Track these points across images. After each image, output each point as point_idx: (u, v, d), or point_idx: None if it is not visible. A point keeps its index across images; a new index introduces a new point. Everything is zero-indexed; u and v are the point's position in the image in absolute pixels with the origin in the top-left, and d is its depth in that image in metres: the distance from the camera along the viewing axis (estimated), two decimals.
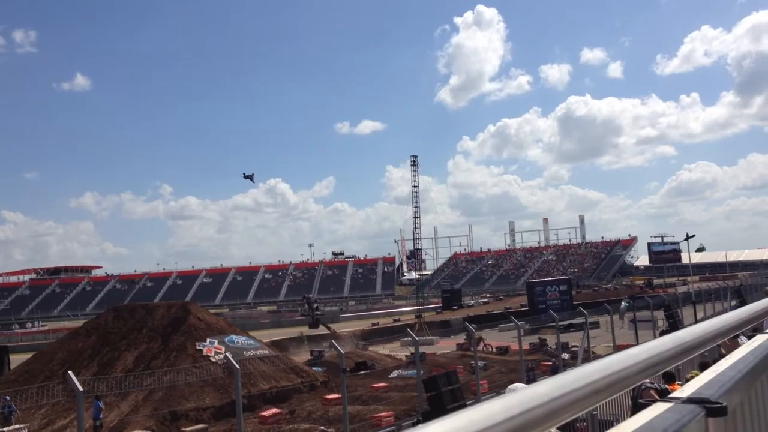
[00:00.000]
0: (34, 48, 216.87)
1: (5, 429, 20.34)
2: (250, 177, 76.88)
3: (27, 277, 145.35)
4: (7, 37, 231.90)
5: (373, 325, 61.61)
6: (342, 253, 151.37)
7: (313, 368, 31.70)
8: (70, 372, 12.56)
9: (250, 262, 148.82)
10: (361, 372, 31.63)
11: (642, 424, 1.49)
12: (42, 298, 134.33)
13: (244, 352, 27.39)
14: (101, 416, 21.90)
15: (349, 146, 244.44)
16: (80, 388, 12.01)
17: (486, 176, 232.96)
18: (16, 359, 35.80)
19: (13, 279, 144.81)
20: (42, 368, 27.87)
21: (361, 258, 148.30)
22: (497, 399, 1.09)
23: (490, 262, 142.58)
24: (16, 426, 20.50)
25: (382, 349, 43.34)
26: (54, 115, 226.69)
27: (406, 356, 36.86)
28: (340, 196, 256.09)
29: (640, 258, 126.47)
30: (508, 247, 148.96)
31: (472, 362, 24.82)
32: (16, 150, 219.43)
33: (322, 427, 19.54)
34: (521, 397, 1.12)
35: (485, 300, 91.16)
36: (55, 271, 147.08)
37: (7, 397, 23.70)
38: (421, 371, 21.93)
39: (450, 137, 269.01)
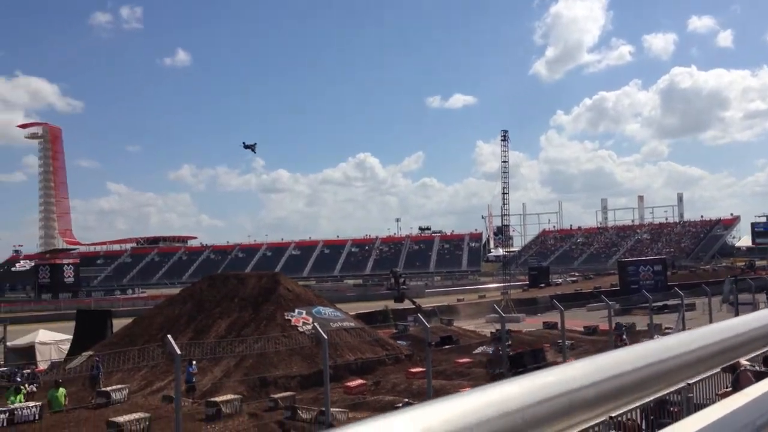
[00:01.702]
0: (139, 24, 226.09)
1: (108, 388, 21.50)
2: (251, 147, 75.45)
3: (129, 246, 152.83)
4: (115, 13, 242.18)
5: (459, 300, 61.49)
6: (429, 228, 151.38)
7: (398, 342, 31.97)
8: (169, 336, 13.11)
9: (337, 236, 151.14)
10: (446, 347, 31.69)
11: (748, 400, 1.40)
12: (142, 266, 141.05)
13: (331, 324, 27.90)
14: (194, 380, 22.89)
15: (440, 121, 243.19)
16: (178, 352, 12.54)
17: (579, 152, 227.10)
18: (118, 323, 37.77)
19: (116, 247, 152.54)
20: (142, 332, 29.30)
21: (448, 233, 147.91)
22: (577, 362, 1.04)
23: (579, 240, 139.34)
24: (119, 386, 21.64)
25: (467, 325, 43.24)
26: (156, 90, 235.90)
27: (491, 332, 36.63)
28: (429, 171, 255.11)
29: (743, 239, 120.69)
30: (599, 225, 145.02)
31: (559, 341, 24.42)
32: (121, 124, 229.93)
33: (407, 399, 19.73)
34: (603, 360, 1.06)
35: (573, 279, 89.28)
36: (155, 241, 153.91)
37: (97, 359, 25.12)
38: (507, 348, 21.75)
39: (543, 111, 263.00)
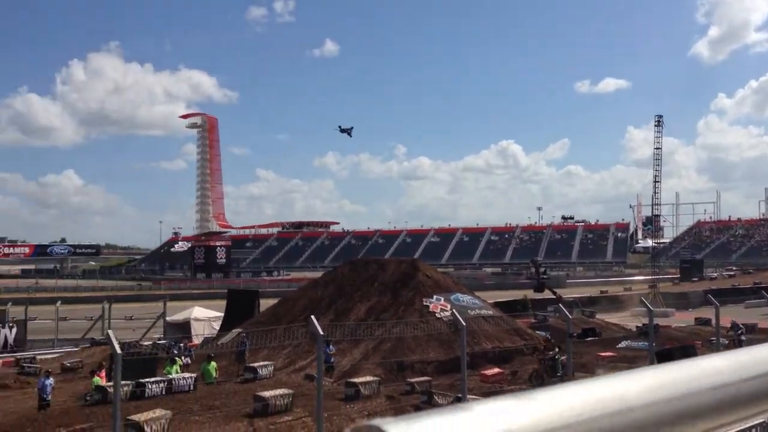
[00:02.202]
0: (291, 17, 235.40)
1: (255, 364, 22.57)
2: (347, 131, 74.16)
3: (275, 230, 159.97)
4: (269, 7, 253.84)
5: (602, 292, 59.29)
6: (572, 218, 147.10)
7: (537, 332, 31.28)
8: (312, 317, 13.54)
9: (477, 224, 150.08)
10: (588, 339, 30.63)
11: None
12: (287, 250, 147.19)
13: (469, 311, 27.71)
14: (333, 360, 23.59)
15: (588, 106, 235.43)
16: (321, 333, 12.91)
17: (742, 137, 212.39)
18: (264, 303, 39.62)
19: (264, 231, 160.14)
20: (286, 312, 30.52)
21: (592, 223, 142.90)
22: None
23: (739, 232, 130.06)
24: (265, 362, 22.67)
25: (611, 318, 41.59)
26: (304, 80, 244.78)
27: (637, 326, 35.00)
28: (574, 158, 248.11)
29: None
30: (762, 217, 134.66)
31: (712, 338, 22.90)
32: (272, 113, 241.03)
33: None
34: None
35: (730, 273, 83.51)
36: (299, 226, 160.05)
37: (244, 336, 26.44)
38: (654, 343, 20.68)
39: (703, 95, 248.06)
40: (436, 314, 27.36)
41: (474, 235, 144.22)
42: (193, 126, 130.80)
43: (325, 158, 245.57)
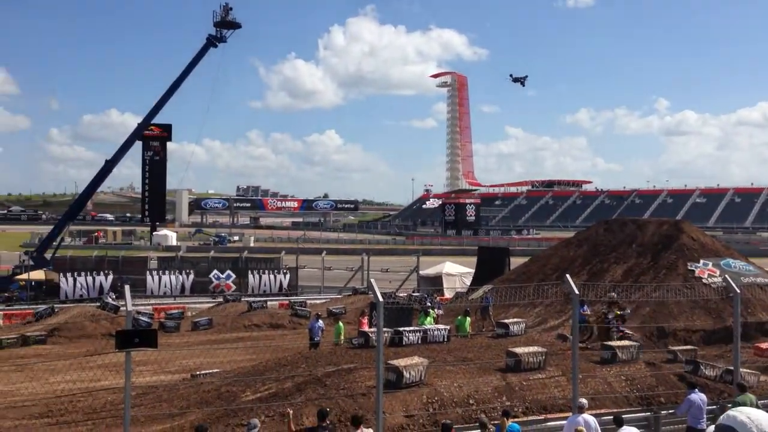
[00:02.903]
0: None
1: (507, 321, 22.61)
2: (520, 80, 67.21)
3: (524, 189, 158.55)
4: None
5: None
6: None
7: None
8: (567, 275, 13.11)
9: (752, 183, 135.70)
10: None
11: None
12: (536, 209, 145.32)
13: (742, 278, 25.12)
14: (587, 319, 22.90)
15: None
16: (576, 291, 12.47)
17: None
18: (513, 262, 39.55)
19: (513, 190, 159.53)
20: (537, 271, 30.12)
21: None
22: None
23: None
24: (516, 320, 22.62)
25: None
26: (555, 33, 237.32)
27: None
28: None
29: None
30: None
31: None
32: (521, 69, 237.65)
33: None
34: None
35: None
36: (549, 184, 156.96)
37: (487, 292, 26.58)
38: None
39: None
40: (703, 280, 25.22)
41: (747, 195, 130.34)
42: (443, 85, 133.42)
43: (577, 114, 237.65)
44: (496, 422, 11.52)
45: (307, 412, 13.32)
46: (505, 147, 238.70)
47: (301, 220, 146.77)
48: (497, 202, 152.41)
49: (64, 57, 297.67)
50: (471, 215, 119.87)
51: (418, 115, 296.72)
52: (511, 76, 73.89)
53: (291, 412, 10.95)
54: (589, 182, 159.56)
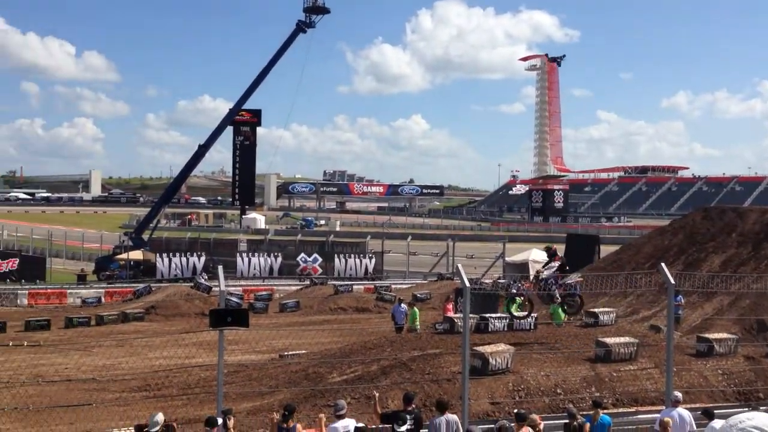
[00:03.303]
0: None
1: (596, 310, 22.04)
2: None
3: (616, 175, 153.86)
4: None
5: None
6: None
7: None
8: (662, 264, 12.61)
9: None
10: None
11: None
12: (628, 196, 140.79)
13: None
14: (681, 312, 22.06)
15: None
16: (672, 281, 12.00)
17: None
18: (603, 250, 38.51)
19: (604, 176, 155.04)
20: (629, 259, 29.19)
21: None
22: None
23: None
24: (606, 309, 22.01)
25: None
26: (654, 12, 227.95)
27: None
28: None
29: None
30: None
31: None
32: (616, 51, 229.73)
33: None
34: None
35: None
36: (643, 170, 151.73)
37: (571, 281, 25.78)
38: None
39: None
40: None
41: None
42: (532, 68, 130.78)
43: (675, 98, 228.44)
44: (585, 413, 11.25)
45: (392, 395, 13.42)
46: (596, 132, 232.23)
47: (386, 205, 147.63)
48: (587, 189, 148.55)
49: (160, 46, 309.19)
50: (559, 202, 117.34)
51: (505, 99, 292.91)
52: None
53: (377, 394, 11.02)
54: (686, 168, 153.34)
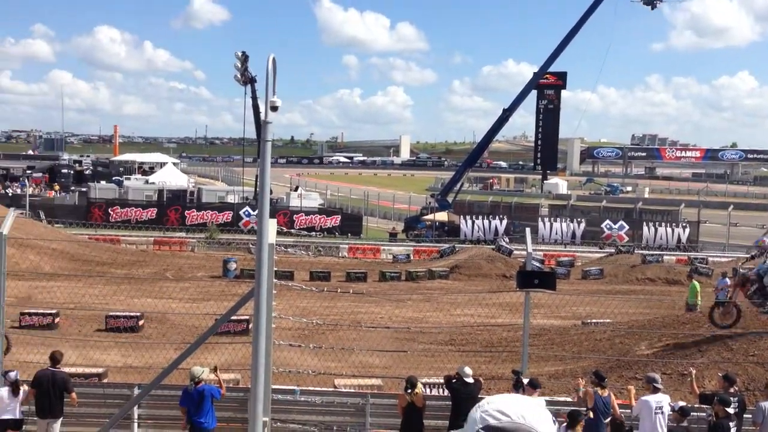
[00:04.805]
0: None
1: None
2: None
3: None
4: None
5: None
6: None
7: None
8: None
9: None
10: None
11: None
12: None
13: None
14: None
15: None
16: None
17: None
18: None
19: None
20: None
21: None
22: None
23: None
24: None
25: None
26: None
27: None
28: None
29: None
30: None
31: None
32: None
33: None
34: None
35: None
36: None
37: None
38: None
39: None
40: None
41: None
42: None
43: None
44: None
45: (708, 374, 12.30)
46: None
47: (703, 171, 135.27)
48: None
49: (467, 13, 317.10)
50: None
51: None
52: None
53: (694, 372, 10.15)
54: None
